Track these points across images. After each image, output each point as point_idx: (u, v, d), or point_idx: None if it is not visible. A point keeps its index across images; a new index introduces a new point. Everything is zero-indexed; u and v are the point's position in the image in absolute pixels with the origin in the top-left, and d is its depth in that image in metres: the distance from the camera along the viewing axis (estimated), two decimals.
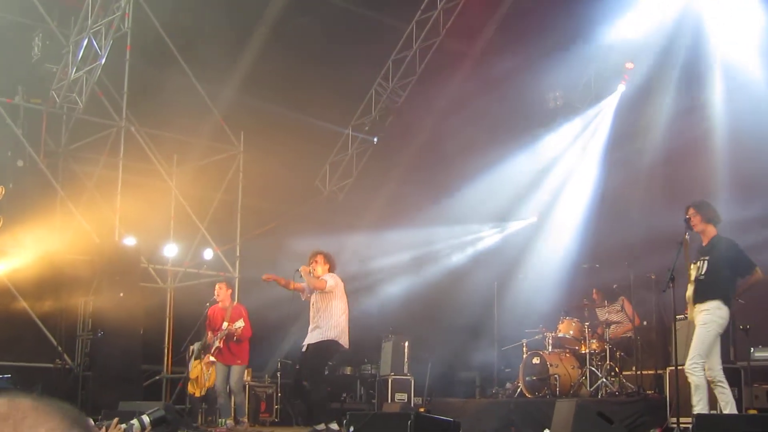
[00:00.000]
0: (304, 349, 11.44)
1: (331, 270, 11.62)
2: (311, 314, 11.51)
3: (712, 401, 9.12)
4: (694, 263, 9.51)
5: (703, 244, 9.58)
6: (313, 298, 11.53)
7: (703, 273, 9.29)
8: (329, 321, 11.31)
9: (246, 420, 13.64)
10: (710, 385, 9.11)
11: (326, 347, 11.34)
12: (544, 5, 17.95)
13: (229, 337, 13.22)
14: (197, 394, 14.15)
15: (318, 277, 11.41)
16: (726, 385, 9.10)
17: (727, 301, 9.27)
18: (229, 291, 14.00)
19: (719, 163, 15.29)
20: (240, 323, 13.10)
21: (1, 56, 15.13)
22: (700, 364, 9.07)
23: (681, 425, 9.06)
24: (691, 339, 9.30)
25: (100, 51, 14.98)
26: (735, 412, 9.08)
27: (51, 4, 15.52)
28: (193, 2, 16.25)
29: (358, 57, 18.22)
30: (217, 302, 13.72)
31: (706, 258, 9.35)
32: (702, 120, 15.86)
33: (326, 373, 12.77)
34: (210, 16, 16.66)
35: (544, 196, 19.21)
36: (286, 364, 17.55)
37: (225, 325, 13.25)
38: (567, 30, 16.63)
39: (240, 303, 14.44)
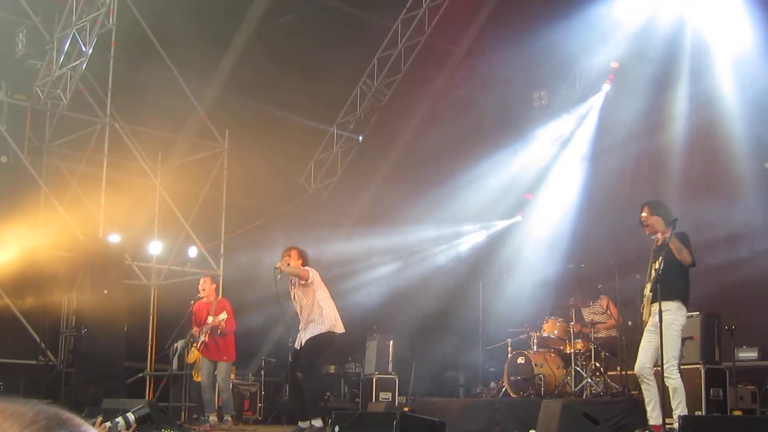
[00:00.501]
0: (298, 347, 11.41)
1: (304, 265, 11.61)
2: (298, 311, 11.50)
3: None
4: (653, 262, 9.54)
5: (657, 243, 9.62)
6: (295, 296, 11.52)
7: (659, 269, 9.30)
8: (321, 313, 11.30)
9: (230, 418, 13.60)
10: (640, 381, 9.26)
11: (322, 340, 11.33)
12: (529, 4, 17.99)
13: (213, 331, 13.19)
14: (198, 379, 14.17)
15: (298, 267, 11.40)
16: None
17: (685, 302, 9.33)
18: (214, 285, 14.00)
19: (702, 161, 15.37)
20: (223, 315, 13.10)
21: None
22: (676, 366, 9.11)
23: (666, 426, 9.08)
24: (644, 340, 9.35)
25: (85, 47, 14.91)
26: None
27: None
28: None
29: (343, 55, 18.19)
30: (202, 297, 13.70)
31: (661, 255, 9.38)
32: (686, 119, 15.93)
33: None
34: (194, 13, 16.60)
35: (530, 195, 19.24)
36: (270, 362, 17.55)
37: (210, 319, 13.23)
38: (552, 29, 16.65)
39: (224, 297, 14.40)
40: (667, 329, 9.06)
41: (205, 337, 13.27)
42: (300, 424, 11.30)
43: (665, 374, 9.02)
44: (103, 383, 14.17)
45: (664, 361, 8.98)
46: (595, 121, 18.19)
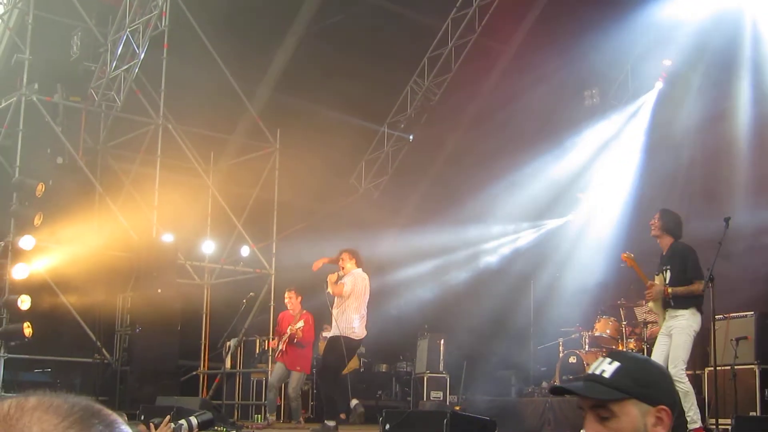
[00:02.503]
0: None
1: (358, 265, 11.74)
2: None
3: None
4: (658, 274, 9.46)
5: (663, 252, 9.53)
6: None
7: (667, 282, 9.22)
8: (342, 319, 11.51)
9: (302, 421, 13.92)
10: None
11: (335, 344, 11.54)
12: (579, 1, 17.86)
13: (290, 340, 13.45)
14: None
15: (336, 283, 11.59)
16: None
17: (699, 308, 9.21)
18: (299, 298, 14.15)
19: (761, 160, 15.15)
20: (300, 323, 13.31)
21: (41, 55, 15.26)
22: (684, 370, 9.01)
23: (720, 426, 8.99)
24: (657, 343, 9.25)
25: (138, 49, 15.08)
26: None
27: (89, 3, 15.62)
28: (229, 0, 16.36)
29: (394, 55, 18.23)
30: (287, 309, 14.10)
31: (668, 267, 9.29)
32: (741, 117, 15.72)
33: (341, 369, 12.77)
34: (246, 14, 16.74)
35: (581, 195, 19.10)
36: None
37: (289, 329, 13.51)
38: (604, 26, 16.52)
39: (308, 311, 14.38)
40: (679, 332, 8.98)
41: (283, 346, 13.55)
42: (325, 421, 11.49)
43: (675, 378, 8.91)
44: (157, 381, 14.36)
45: (672, 365, 8.86)
46: (648, 119, 18.01)
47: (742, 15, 15.90)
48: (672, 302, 9.11)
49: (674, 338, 8.95)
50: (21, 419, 1.40)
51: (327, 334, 13.19)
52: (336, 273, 11.73)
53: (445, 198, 19.37)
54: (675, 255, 9.31)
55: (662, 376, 2.59)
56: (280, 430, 13.21)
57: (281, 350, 13.66)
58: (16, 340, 13.63)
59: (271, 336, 15.53)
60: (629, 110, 18.40)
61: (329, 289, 11.56)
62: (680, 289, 9.13)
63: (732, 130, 15.85)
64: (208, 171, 17.22)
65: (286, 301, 14.10)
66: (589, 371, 2.55)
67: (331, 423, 11.30)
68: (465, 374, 16.62)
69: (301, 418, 13.88)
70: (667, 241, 9.48)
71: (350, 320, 11.52)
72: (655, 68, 17.75)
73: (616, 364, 2.52)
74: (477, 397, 15.51)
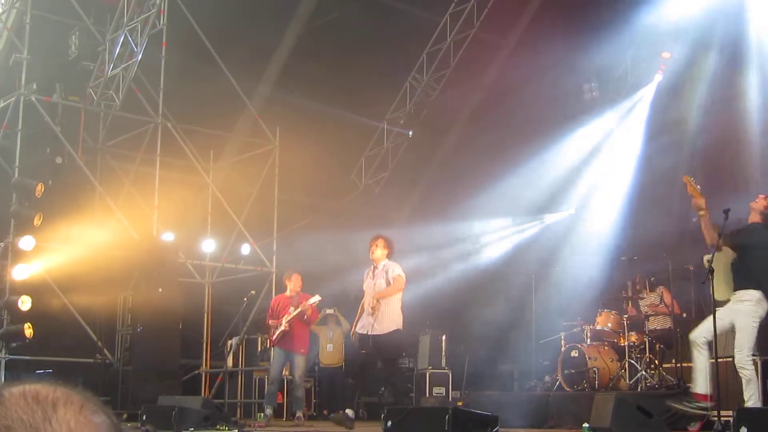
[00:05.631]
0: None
1: (389, 255, 11.70)
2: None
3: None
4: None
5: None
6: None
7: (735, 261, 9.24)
8: (390, 310, 11.62)
9: (302, 415, 13.64)
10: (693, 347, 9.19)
11: (398, 336, 11.83)
12: None
13: (300, 316, 13.15)
14: None
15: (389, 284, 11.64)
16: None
17: (766, 292, 9.20)
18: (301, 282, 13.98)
19: (759, 156, 15.13)
20: (316, 298, 13.13)
21: (39, 55, 15.26)
22: (751, 357, 9.00)
23: (722, 419, 8.95)
24: (716, 313, 9.19)
25: (136, 48, 15.06)
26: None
27: (87, 2, 15.61)
28: None
29: (392, 50, 18.22)
30: (286, 293, 13.80)
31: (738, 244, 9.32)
32: (742, 109, 15.68)
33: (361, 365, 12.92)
34: (244, 12, 16.72)
35: (582, 188, 19.07)
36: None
37: (292, 309, 13.21)
38: (602, 20, 16.50)
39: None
40: (745, 317, 8.99)
41: (286, 325, 13.21)
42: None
43: (739, 364, 8.92)
44: (159, 381, 14.34)
45: (738, 350, 8.92)
46: (648, 111, 17.98)
47: (742, 6, 15.85)
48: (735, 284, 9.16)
49: (742, 323, 8.97)
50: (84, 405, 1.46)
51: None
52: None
53: (446, 193, 19.37)
54: (749, 235, 9.42)
55: None
56: (282, 428, 13.12)
57: (283, 330, 13.25)
58: (17, 342, 13.61)
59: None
60: (629, 104, 18.37)
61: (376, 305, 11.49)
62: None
63: (733, 122, 15.82)
64: (208, 169, 17.22)
65: (288, 282, 13.85)
66: None
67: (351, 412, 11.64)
68: (467, 370, 16.61)
69: (301, 414, 13.60)
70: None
71: (398, 313, 11.59)
72: (655, 61, 17.72)
73: None
74: (479, 392, 15.48)
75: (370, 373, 12.98)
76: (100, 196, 15.39)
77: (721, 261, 9.32)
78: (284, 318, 13.25)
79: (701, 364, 9.25)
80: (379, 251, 11.63)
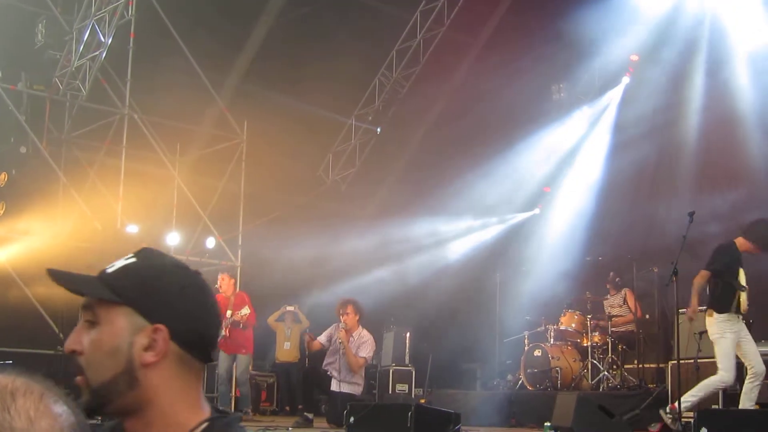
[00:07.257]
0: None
1: (361, 320, 11.86)
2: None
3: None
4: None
5: None
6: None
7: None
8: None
9: (250, 411, 13.65)
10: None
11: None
12: None
13: (234, 325, 13.23)
14: None
15: (356, 356, 12.00)
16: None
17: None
18: (232, 281, 14.04)
19: (722, 155, 15.25)
20: (245, 310, 13.18)
21: (5, 43, 15.11)
22: None
23: (682, 420, 9.04)
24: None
25: (104, 38, 14.94)
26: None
27: None
28: None
29: (362, 47, 18.18)
30: (220, 292, 13.72)
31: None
32: (705, 113, 15.79)
33: None
34: (214, 4, 16.63)
35: (548, 188, 19.14)
36: None
37: (229, 313, 13.25)
38: (572, 20, 16.55)
39: (242, 291, 14.45)
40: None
41: (225, 331, 13.30)
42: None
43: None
44: None
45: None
46: (614, 113, 18.07)
47: (703, 7, 16.00)
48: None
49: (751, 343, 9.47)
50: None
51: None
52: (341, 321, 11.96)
53: (412, 191, 19.38)
54: None
55: (181, 288, 1.97)
56: (247, 423, 13.09)
57: (224, 336, 13.35)
58: None
59: None
60: (596, 105, 18.45)
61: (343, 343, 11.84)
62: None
63: (690, 126, 15.93)
64: (174, 162, 17.10)
65: (218, 284, 13.87)
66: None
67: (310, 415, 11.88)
68: (430, 367, 16.63)
69: (249, 410, 13.65)
70: None
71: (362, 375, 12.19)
72: (623, 63, 17.80)
73: (132, 259, 2.01)
74: (442, 390, 15.52)
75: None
76: (64, 186, 15.26)
77: None
78: (223, 323, 13.33)
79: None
80: (350, 319, 11.80)
